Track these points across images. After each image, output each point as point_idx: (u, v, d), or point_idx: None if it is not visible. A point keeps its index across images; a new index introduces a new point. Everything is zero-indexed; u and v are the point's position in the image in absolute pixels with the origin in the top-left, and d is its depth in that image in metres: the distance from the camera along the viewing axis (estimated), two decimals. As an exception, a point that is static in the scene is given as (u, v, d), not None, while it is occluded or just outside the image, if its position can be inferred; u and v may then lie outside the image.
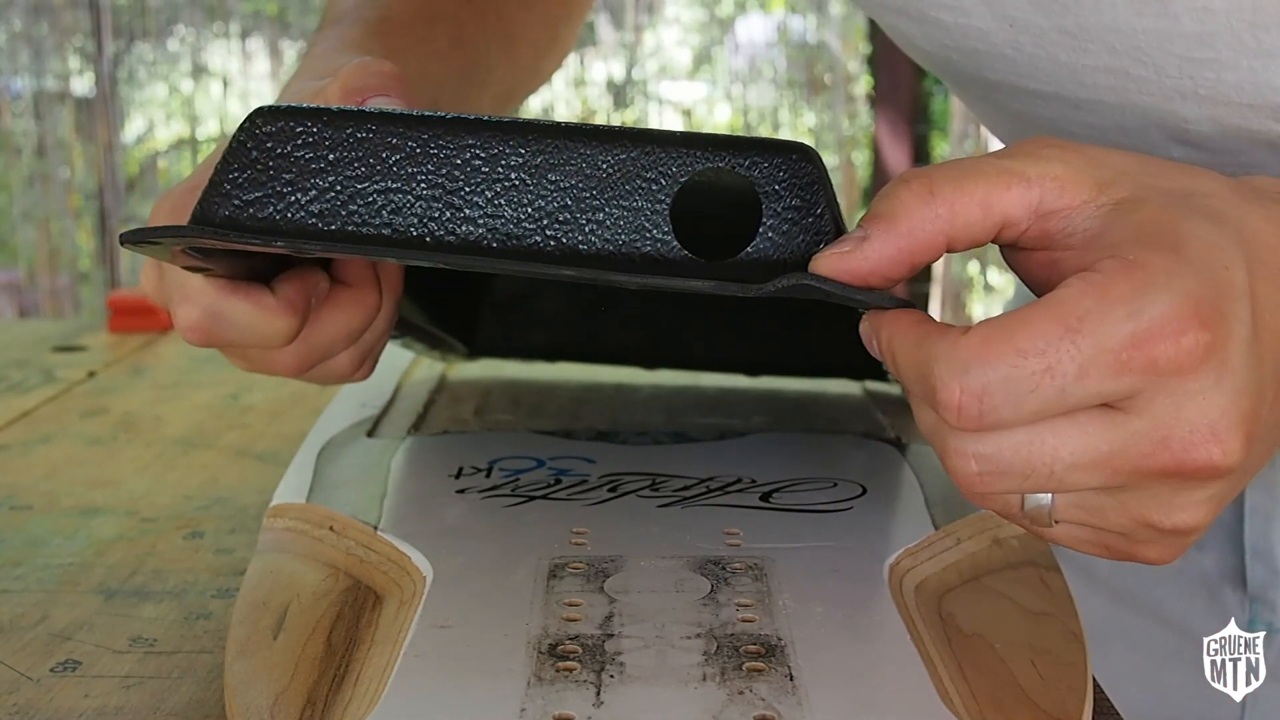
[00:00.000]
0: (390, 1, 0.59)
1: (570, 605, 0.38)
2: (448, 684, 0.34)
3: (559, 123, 0.36)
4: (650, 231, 0.35)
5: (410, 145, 0.36)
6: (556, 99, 3.75)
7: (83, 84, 3.71)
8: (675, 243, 0.35)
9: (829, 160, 3.79)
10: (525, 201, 0.35)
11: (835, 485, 0.49)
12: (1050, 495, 0.34)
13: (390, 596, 0.41)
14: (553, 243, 0.35)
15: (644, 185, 0.35)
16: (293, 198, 0.36)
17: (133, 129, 3.87)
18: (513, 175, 0.36)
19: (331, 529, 0.46)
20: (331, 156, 0.36)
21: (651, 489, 0.48)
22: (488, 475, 0.50)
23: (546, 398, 0.65)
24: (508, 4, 0.67)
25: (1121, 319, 0.31)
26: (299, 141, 0.36)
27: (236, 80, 3.79)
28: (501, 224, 0.36)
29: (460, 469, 0.51)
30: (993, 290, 3.61)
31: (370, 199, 0.36)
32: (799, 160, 0.35)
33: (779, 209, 0.35)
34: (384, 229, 0.36)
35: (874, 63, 3.63)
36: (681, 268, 0.35)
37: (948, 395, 0.32)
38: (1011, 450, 0.32)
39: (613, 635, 0.36)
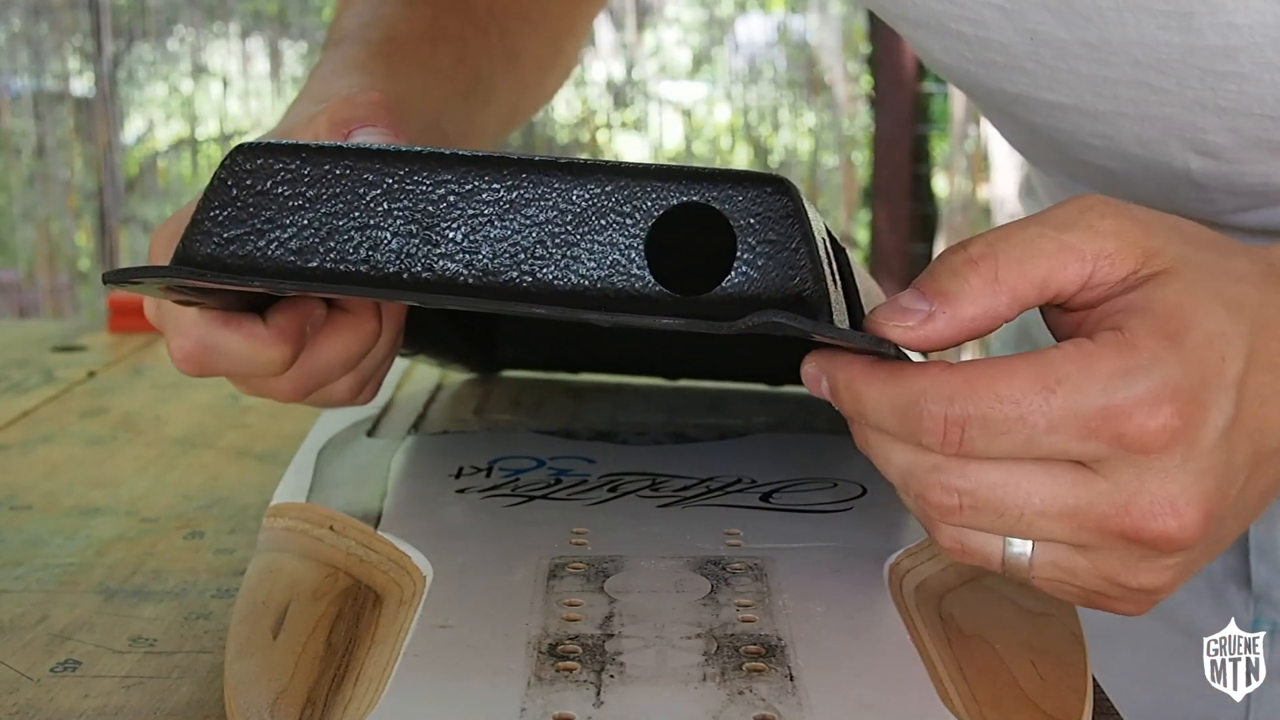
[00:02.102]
0: (394, 22, 0.59)
1: (570, 605, 0.38)
2: (448, 684, 0.34)
3: (533, 157, 0.36)
4: (626, 266, 0.35)
5: (386, 181, 0.36)
6: (556, 99, 3.75)
7: (82, 84, 3.71)
8: (650, 278, 0.35)
9: (829, 160, 3.79)
10: (501, 237, 0.35)
11: (835, 485, 0.49)
12: (1029, 549, 0.36)
13: (390, 596, 0.41)
14: (529, 278, 0.35)
15: (619, 220, 0.35)
16: (272, 235, 0.36)
17: (132, 129, 3.87)
18: (488, 210, 0.35)
19: (331, 528, 0.46)
20: (310, 193, 0.36)
21: (651, 489, 0.48)
22: (488, 475, 0.50)
23: (546, 398, 0.65)
24: (512, 22, 0.67)
25: (1097, 392, 0.33)
26: (278, 178, 0.36)
27: (236, 80, 3.79)
28: (478, 259, 0.35)
29: (460, 469, 0.51)
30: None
31: (348, 235, 0.36)
32: (774, 194, 0.34)
33: (753, 243, 0.34)
34: (361, 265, 0.36)
35: (874, 63, 3.63)
36: (656, 303, 0.35)
37: (934, 423, 0.34)
38: (988, 488, 0.34)
39: (613, 635, 0.36)
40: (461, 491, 0.48)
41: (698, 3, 3.86)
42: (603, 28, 3.69)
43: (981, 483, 0.34)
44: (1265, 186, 0.50)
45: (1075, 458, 0.34)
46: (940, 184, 3.67)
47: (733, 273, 0.34)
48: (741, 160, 3.90)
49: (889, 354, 0.35)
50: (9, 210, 3.78)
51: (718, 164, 3.87)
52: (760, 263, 0.34)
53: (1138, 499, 0.34)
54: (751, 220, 0.34)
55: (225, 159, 0.37)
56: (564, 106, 3.77)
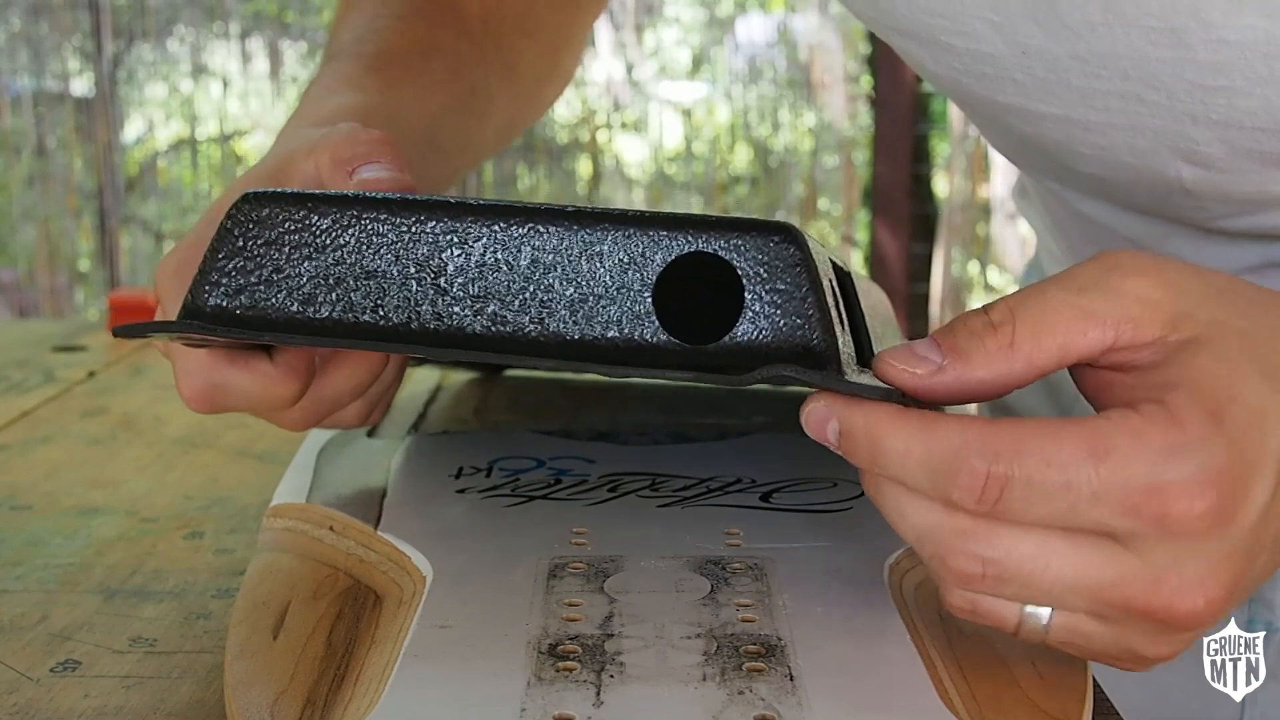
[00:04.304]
0: (387, 35, 0.59)
1: (570, 605, 0.38)
2: (448, 684, 0.34)
3: (541, 206, 0.36)
4: (634, 314, 0.35)
5: (394, 231, 0.36)
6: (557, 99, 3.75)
7: (82, 84, 3.71)
8: (658, 326, 0.35)
9: (829, 160, 3.79)
10: (509, 286, 0.35)
11: (835, 485, 0.49)
12: (1047, 618, 0.35)
13: (390, 596, 0.41)
14: (536, 326, 0.35)
15: (627, 269, 0.35)
16: (280, 284, 0.37)
17: (132, 129, 3.87)
18: (495, 259, 0.36)
19: (331, 529, 0.46)
20: (317, 242, 0.36)
21: (651, 489, 0.48)
22: (488, 475, 0.50)
23: (546, 398, 0.65)
24: (507, 34, 0.67)
25: (1146, 467, 0.32)
26: (285, 228, 0.37)
27: (236, 80, 3.79)
28: (486, 308, 0.36)
29: (460, 469, 0.51)
30: (993, 290, 3.61)
31: (356, 285, 0.36)
32: (781, 243, 0.34)
33: (762, 292, 0.34)
34: (369, 315, 0.36)
35: (874, 63, 3.63)
36: (664, 353, 0.35)
37: (973, 479, 0.33)
38: (1017, 562, 0.33)
39: (613, 635, 0.36)
40: (461, 491, 0.48)
41: (698, 3, 3.86)
42: (603, 28, 3.69)
43: (1012, 554, 0.33)
44: (1258, 194, 0.50)
45: (1112, 531, 0.33)
46: (940, 184, 3.67)
47: (741, 321, 0.34)
48: (741, 160, 3.90)
49: (897, 402, 0.35)
50: (9, 210, 3.78)
51: (717, 164, 3.87)
52: (769, 312, 0.34)
53: (1168, 578, 0.33)
54: (760, 270, 0.34)
55: (232, 208, 0.37)
56: (564, 107, 3.77)
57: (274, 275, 0.37)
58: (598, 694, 0.33)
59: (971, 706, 0.34)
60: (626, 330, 0.35)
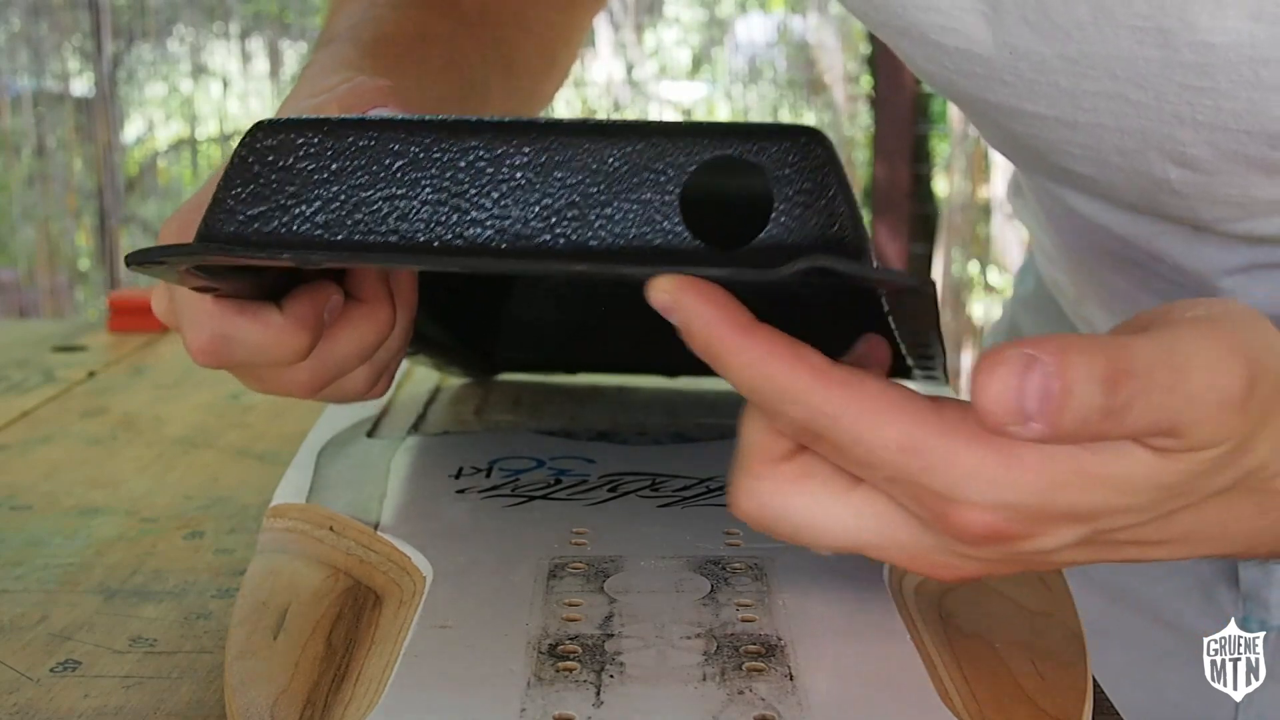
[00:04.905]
0: (385, 24, 0.59)
1: (570, 605, 0.38)
2: (448, 684, 0.34)
3: (563, 120, 0.35)
4: (661, 224, 0.34)
5: (413, 150, 0.36)
6: (556, 99, 3.75)
7: (82, 84, 3.71)
8: (686, 234, 0.34)
9: (829, 160, 3.79)
10: (532, 200, 0.35)
11: (835, 485, 0.48)
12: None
13: (390, 596, 0.41)
14: (562, 240, 0.35)
15: (652, 178, 0.34)
16: (297, 210, 0.36)
17: (132, 129, 3.87)
18: (518, 175, 0.35)
19: (331, 529, 0.46)
20: (334, 166, 0.36)
21: (651, 489, 0.48)
22: (488, 475, 0.50)
23: (546, 398, 0.65)
24: (505, 29, 0.67)
25: (943, 479, 0.32)
26: (301, 153, 0.36)
27: (236, 80, 3.79)
28: (509, 224, 0.35)
29: (460, 469, 0.51)
30: (993, 290, 3.61)
31: (375, 206, 0.36)
32: (808, 143, 0.34)
33: (790, 193, 0.34)
34: (390, 236, 0.35)
35: (874, 63, 3.63)
36: (694, 258, 0.34)
37: (791, 423, 0.33)
38: (796, 525, 0.35)
39: (613, 635, 0.36)
40: (461, 492, 0.48)
41: (698, 3, 3.86)
42: (603, 28, 3.69)
43: (788, 515, 0.35)
44: (1244, 198, 0.50)
45: (895, 499, 0.34)
46: (940, 184, 3.67)
47: (770, 224, 0.34)
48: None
49: (928, 292, 0.34)
50: (9, 210, 3.78)
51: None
52: (797, 213, 0.34)
53: (928, 556, 0.34)
54: (787, 171, 0.34)
55: (245, 136, 0.36)
56: (564, 106, 3.77)
57: (290, 202, 0.36)
58: (598, 694, 0.33)
59: (971, 706, 0.34)
60: (654, 239, 0.34)
